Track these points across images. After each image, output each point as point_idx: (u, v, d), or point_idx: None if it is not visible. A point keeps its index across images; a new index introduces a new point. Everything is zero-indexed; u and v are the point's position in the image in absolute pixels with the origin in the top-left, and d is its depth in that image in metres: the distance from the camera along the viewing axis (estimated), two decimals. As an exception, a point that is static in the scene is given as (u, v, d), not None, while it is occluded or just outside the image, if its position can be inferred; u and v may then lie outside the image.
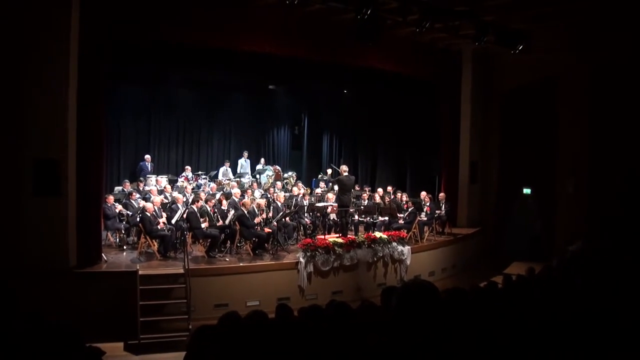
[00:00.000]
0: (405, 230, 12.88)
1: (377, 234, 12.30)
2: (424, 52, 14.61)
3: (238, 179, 15.92)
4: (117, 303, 9.24)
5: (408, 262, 12.38)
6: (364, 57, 13.34)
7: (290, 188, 15.55)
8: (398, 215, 13.32)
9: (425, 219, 13.63)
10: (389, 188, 15.57)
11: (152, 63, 13.41)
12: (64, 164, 9.42)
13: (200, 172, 16.33)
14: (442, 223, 14.50)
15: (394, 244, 12.19)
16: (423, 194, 14.27)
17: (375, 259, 11.93)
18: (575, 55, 13.91)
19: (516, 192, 15.92)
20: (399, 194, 14.68)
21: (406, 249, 12.36)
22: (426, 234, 13.70)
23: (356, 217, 13.17)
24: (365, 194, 14.57)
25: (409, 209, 13.47)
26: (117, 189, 13.69)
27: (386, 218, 13.29)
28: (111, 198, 11.93)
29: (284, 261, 11.07)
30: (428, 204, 13.92)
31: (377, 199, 14.41)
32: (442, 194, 14.90)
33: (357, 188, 15.29)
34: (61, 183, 9.40)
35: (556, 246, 13.97)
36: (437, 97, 16.03)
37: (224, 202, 12.22)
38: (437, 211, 14.13)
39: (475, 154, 16.13)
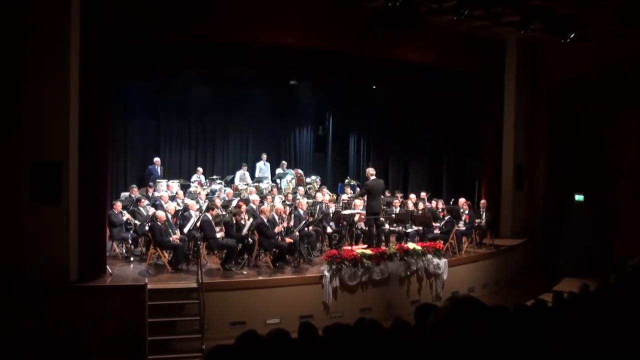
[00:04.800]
0: (442, 241, 12.80)
1: (410, 245, 12.23)
2: (462, 43, 14.51)
3: (256, 184, 15.99)
4: (123, 320, 9.31)
5: (445, 276, 12.27)
6: (396, 48, 13.30)
7: (313, 194, 15.56)
8: (433, 224, 13.24)
9: (464, 228, 13.51)
10: (423, 194, 15.45)
11: (163, 57, 13.52)
12: (64, 167, 9.52)
13: (215, 177, 16.43)
14: (483, 233, 14.37)
15: (429, 256, 12.10)
16: (461, 200, 14.14)
17: (408, 273, 11.85)
18: (634, 43, 13.66)
19: (567, 198, 15.70)
20: (434, 201, 14.59)
21: (442, 262, 12.26)
22: (465, 246, 13.58)
23: (387, 226, 13.10)
24: (396, 201, 14.50)
25: (446, 218, 13.38)
26: (124, 194, 13.81)
27: (420, 227, 13.21)
28: (119, 205, 12.06)
29: (307, 275, 11.06)
30: (467, 211, 13.79)
31: (410, 206, 14.33)
32: (483, 201, 14.77)
33: (387, 194, 15.24)
34: (62, 188, 9.49)
35: (614, 260, 13.72)
36: (478, 93, 15.94)
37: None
38: (477, 220, 14.00)
39: (520, 156, 15.97)
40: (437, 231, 13.17)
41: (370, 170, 12.42)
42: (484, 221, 14.21)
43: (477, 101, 16.03)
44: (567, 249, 15.09)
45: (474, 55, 14.99)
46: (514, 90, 15.76)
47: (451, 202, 14.73)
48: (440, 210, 14.03)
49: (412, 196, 15.09)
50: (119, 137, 15.95)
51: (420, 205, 14.00)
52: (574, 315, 5.68)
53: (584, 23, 11.97)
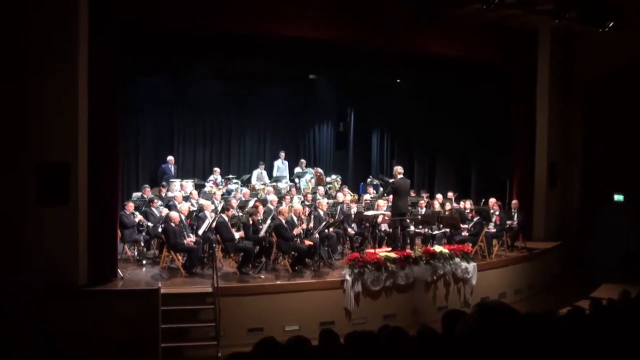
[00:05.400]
0: (471, 244, 12.70)
1: (437, 248, 12.18)
2: (492, 34, 14.39)
3: (274, 184, 16.01)
4: (135, 326, 9.36)
5: (474, 281, 12.19)
6: (421, 40, 13.22)
7: (334, 194, 15.53)
8: (461, 226, 13.18)
9: (494, 230, 13.42)
10: (450, 194, 15.40)
11: (176, 51, 13.59)
12: (73, 166, 9.58)
13: (231, 176, 16.48)
14: (515, 235, 14.25)
15: (457, 259, 12.03)
16: (492, 201, 14.03)
17: (434, 277, 11.79)
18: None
19: (605, 198, 15.51)
20: (462, 201, 14.52)
21: (471, 265, 12.18)
22: (495, 249, 13.48)
23: (412, 228, 13.04)
24: (422, 201, 14.42)
25: (475, 219, 13.30)
26: (136, 195, 13.90)
27: (447, 229, 13.15)
28: (131, 205, 12.16)
29: (328, 279, 11.04)
30: (497, 212, 13.69)
31: (437, 206, 14.26)
32: (514, 201, 14.65)
33: (412, 194, 15.15)
34: (70, 189, 9.55)
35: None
36: (509, 87, 15.78)
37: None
38: (508, 221, 13.89)
39: (554, 153, 15.80)
40: (465, 233, 13.09)
41: (398, 169, 12.36)
42: (515, 222, 14.08)
43: (508, 95, 15.87)
44: (604, 252, 14.86)
45: (504, 46, 14.83)
46: (548, 83, 15.57)
47: (481, 203, 14.60)
48: (468, 211, 13.97)
49: (439, 196, 15.01)
50: (130, 135, 16.05)
51: (448, 206, 13.92)
52: (614, 324, 5.59)
53: (623, 11, 11.77)
